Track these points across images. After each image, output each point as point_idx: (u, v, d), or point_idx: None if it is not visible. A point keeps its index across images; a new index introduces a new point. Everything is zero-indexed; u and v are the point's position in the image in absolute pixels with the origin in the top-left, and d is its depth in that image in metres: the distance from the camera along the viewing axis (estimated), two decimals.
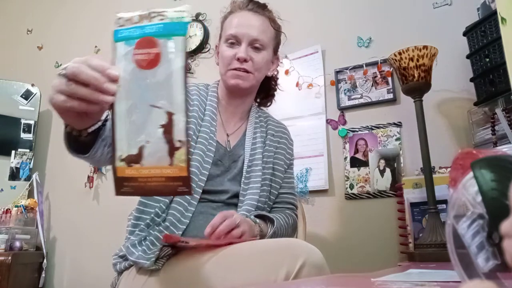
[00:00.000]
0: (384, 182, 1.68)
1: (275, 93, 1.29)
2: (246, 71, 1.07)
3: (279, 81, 1.29)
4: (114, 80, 0.62)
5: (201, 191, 1.01)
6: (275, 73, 1.24)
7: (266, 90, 1.25)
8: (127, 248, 0.96)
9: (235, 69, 1.07)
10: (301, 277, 0.77)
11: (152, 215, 0.98)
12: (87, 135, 0.71)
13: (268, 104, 1.29)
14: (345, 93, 1.83)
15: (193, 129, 1.03)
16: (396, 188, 1.60)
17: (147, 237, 0.96)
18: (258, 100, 1.27)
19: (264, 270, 0.79)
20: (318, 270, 0.79)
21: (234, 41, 1.08)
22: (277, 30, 1.16)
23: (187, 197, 0.98)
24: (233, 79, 1.08)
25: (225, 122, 1.14)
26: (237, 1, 1.14)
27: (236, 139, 1.13)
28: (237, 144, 1.12)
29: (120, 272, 1.02)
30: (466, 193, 0.38)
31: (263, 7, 1.14)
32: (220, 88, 1.17)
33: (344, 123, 1.82)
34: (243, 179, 1.07)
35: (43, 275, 2.30)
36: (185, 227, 0.97)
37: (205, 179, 1.02)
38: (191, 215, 0.99)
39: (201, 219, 1.00)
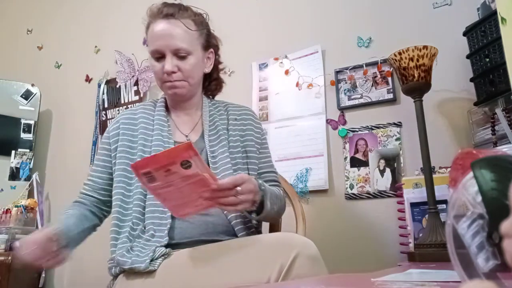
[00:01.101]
0: (384, 182, 1.68)
1: (220, 76, 1.26)
2: (179, 81, 1.08)
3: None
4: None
5: None
6: (217, 62, 1.22)
7: (209, 79, 1.24)
8: (118, 260, 0.96)
9: (168, 81, 1.08)
10: (295, 269, 0.77)
11: (128, 229, 1.00)
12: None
13: (219, 88, 1.27)
14: (345, 93, 1.83)
15: (142, 143, 1.07)
16: (396, 188, 1.60)
17: (133, 247, 0.97)
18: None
19: (259, 266, 0.79)
20: (311, 261, 0.79)
21: (159, 55, 1.08)
22: (198, 29, 1.11)
23: (158, 202, 0.97)
24: (169, 90, 1.10)
25: (180, 124, 1.16)
26: (152, 8, 1.11)
27: (198, 135, 1.14)
28: (198, 139, 1.13)
29: (115, 276, 1.02)
30: (466, 193, 0.38)
31: (178, 9, 1.10)
32: (167, 97, 1.19)
33: (344, 123, 1.82)
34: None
35: (43, 275, 2.30)
36: (168, 226, 0.98)
37: None
38: (170, 214, 0.99)
39: (187, 219, 1.00)
